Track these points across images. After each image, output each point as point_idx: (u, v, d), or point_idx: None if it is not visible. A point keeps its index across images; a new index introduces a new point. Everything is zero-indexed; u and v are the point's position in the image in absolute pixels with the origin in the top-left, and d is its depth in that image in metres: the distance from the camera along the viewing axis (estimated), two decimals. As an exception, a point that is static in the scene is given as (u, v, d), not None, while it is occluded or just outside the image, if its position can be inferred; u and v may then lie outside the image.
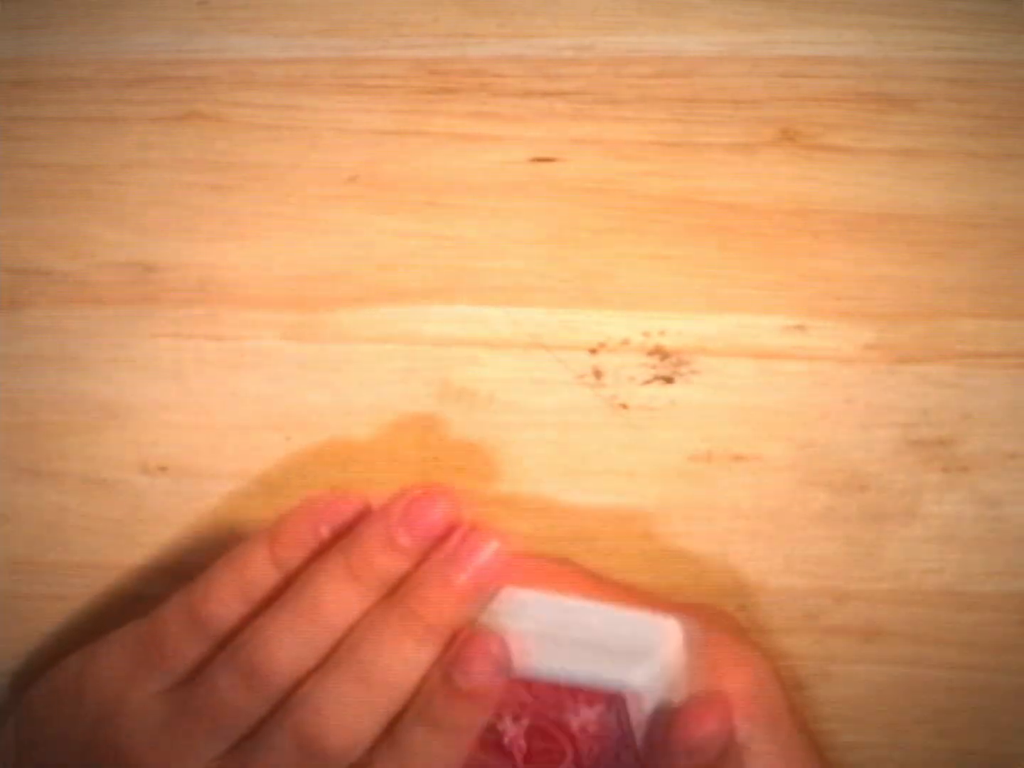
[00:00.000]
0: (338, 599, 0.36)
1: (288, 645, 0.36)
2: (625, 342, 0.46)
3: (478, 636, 0.36)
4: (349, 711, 0.35)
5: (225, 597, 0.37)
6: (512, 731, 0.38)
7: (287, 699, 0.36)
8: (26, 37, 0.47)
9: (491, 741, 0.38)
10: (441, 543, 0.37)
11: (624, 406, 0.46)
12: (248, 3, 0.46)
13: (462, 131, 0.46)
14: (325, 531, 0.38)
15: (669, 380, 0.46)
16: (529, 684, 0.37)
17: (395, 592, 0.37)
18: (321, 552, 0.37)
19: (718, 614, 0.44)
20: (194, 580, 0.38)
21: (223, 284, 0.47)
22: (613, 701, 0.37)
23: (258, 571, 0.38)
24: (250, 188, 0.46)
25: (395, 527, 0.37)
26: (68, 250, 0.47)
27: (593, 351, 0.46)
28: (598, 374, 0.46)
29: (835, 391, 0.45)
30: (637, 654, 0.37)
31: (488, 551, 0.36)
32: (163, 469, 0.47)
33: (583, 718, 0.37)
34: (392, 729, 0.36)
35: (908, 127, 0.45)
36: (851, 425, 0.45)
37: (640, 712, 0.37)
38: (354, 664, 0.36)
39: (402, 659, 0.36)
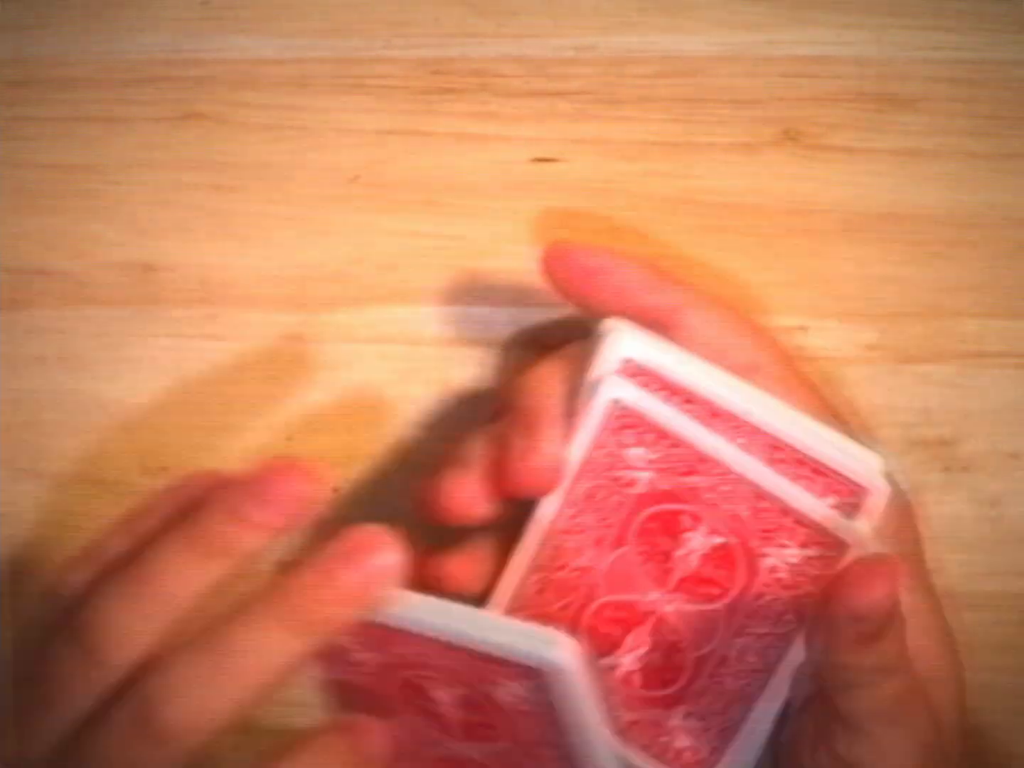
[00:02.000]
0: (178, 570, 0.34)
1: (125, 618, 0.34)
2: (626, 342, 0.46)
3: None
4: (195, 695, 0.33)
5: (75, 563, 0.35)
6: (696, 542, 0.37)
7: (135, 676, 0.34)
8: (26, 37, 0.47)
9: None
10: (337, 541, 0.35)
11: (625, 406, 0.46)
12: (249, 3, 0.46)
13: (463, 131, 0.46)
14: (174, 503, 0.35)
15: (670, 380, 0.46)
16: (755, 499, 0.36)
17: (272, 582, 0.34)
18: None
19: None
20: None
21: (223, 284, 0.47)
22: (829, 546, 0.36)
23: (108, 537, 0.36)
24: (251, 188, 0.46)
25: (240, 497, 0.34)
26: (69, 250, 0.47)
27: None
28: (599, 374, 0.46)
29: (836, 391, 0.45)
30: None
31: (385, 557, 0.34)
32: (164, 469, 0.47)
33: (786, 554, 0.36)
34: None
35: (909, 127, 0.45)
36: (852, 425, 0.45)
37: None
38: (209, 645, 0.33)
39: (267, 649, 0.33)
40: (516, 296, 0.46)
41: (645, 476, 0.37)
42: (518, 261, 0.46)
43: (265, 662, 0.33)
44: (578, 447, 0.37)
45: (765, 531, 0.37)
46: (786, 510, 0.36)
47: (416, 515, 0.40)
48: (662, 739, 0.39)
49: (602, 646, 0.38)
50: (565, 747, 0.36)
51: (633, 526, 0.37)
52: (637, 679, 0.39)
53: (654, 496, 0.37)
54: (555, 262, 0.41)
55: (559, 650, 0.33)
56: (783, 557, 0.36)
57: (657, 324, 0.39)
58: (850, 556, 0.36)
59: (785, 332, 0.45)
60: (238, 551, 0.34)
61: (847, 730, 0.36)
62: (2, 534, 0.47)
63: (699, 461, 0.37)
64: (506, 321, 0.46)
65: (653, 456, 0.37)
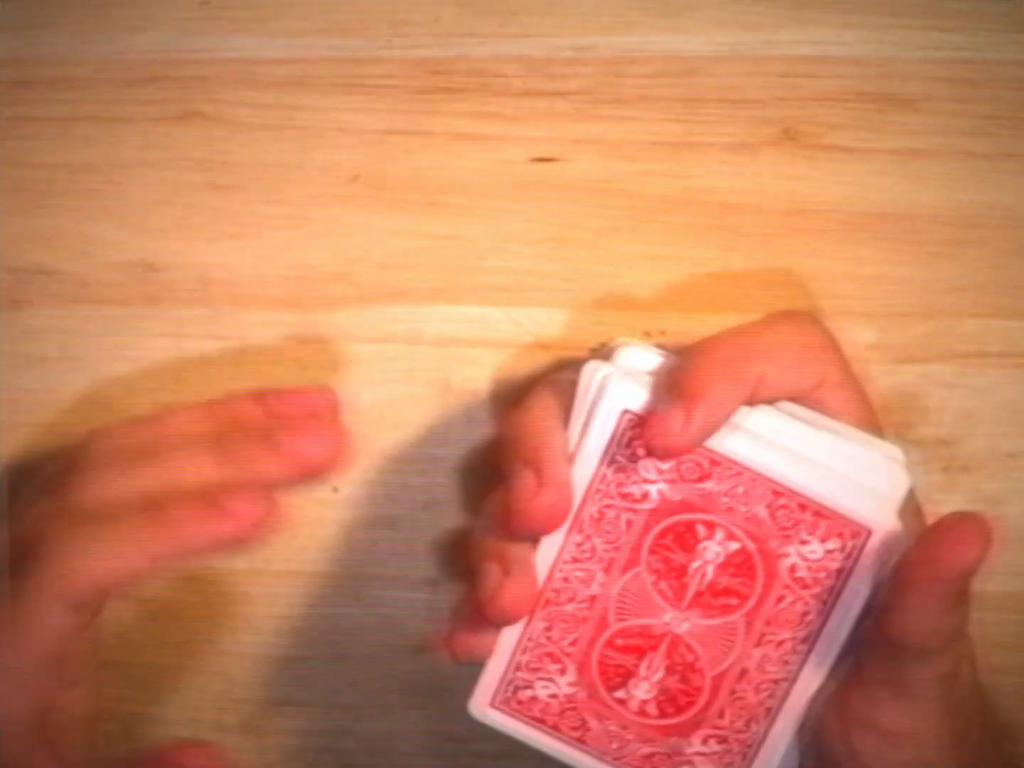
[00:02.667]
0: (195, 469, 0.36)
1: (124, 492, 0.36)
2: (626, 342, 0.46)
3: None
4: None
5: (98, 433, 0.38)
6: (711, 551, 0.37)
7: None
8: (26, 37, 0.47)
9: (672, 563, 0.37)
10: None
11: (625, 406, 0.46)
12: (249, 3, 0.46)
13: (463, 131, 0.46)
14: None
15: (670, 380, 0.46)
16: (773, 497, 0.36)
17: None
18: None
19: None
20: None
21: (224, 284, 0.47)
22: (851, 535, 0.36)
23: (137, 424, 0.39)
24: (251, 188, 0.46)
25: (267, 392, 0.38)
26: (69, 250, 0.47)
27: (594, 351, 0.46)
28: (599, 374, 0.46)
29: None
30: (877, 489, 0.36)
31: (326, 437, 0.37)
32: (164, 469, 0.47)
33: (806, 551, 0.36)
34: None
35: (909, 127, 0.45)
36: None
37: (876, 548, 0.36)
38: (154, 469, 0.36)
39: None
40: (516, 296, 0.46)
41: (656, 488, 0.36)
42: (518, 261, 0.46)
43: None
44: (585, 467, 0.36)
45: (783, 529, 0.36)
46: (804, 504, 0.36)
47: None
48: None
49: (613, 678, 0.38)
50: (818, 625, 0.36)
51: (646, 544, 0.37)
52: (652, 709, 0.38)
53: (667, 508, 0.36)
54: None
55: (895, 518, 0.34)
56: (803, 554, 0.36)
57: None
58: (875, 541, 0.36)
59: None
60: (259, 474, 0.36)
61: (899, 698, 0.36)
62: (2, 533, 0.47)
63: (712, 464, 0.36)
64: (506, 321, 0.46)
65: (664, 465, 0.36)
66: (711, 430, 0.36)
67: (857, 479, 0.36)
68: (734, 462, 0.36)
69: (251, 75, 0.46)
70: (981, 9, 0.45)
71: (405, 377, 0.46)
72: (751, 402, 0.37)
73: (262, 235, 0.47)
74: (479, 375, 0.46)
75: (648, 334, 0.46)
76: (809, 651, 0.37)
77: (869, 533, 0.36)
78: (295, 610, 0.48)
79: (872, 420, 0.39)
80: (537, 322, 0.46)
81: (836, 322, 0.45)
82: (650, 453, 0.36)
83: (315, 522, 0.47)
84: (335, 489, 0.47)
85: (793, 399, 0.38)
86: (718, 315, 0.46)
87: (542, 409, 0.38)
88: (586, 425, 0.36)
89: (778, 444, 0.36)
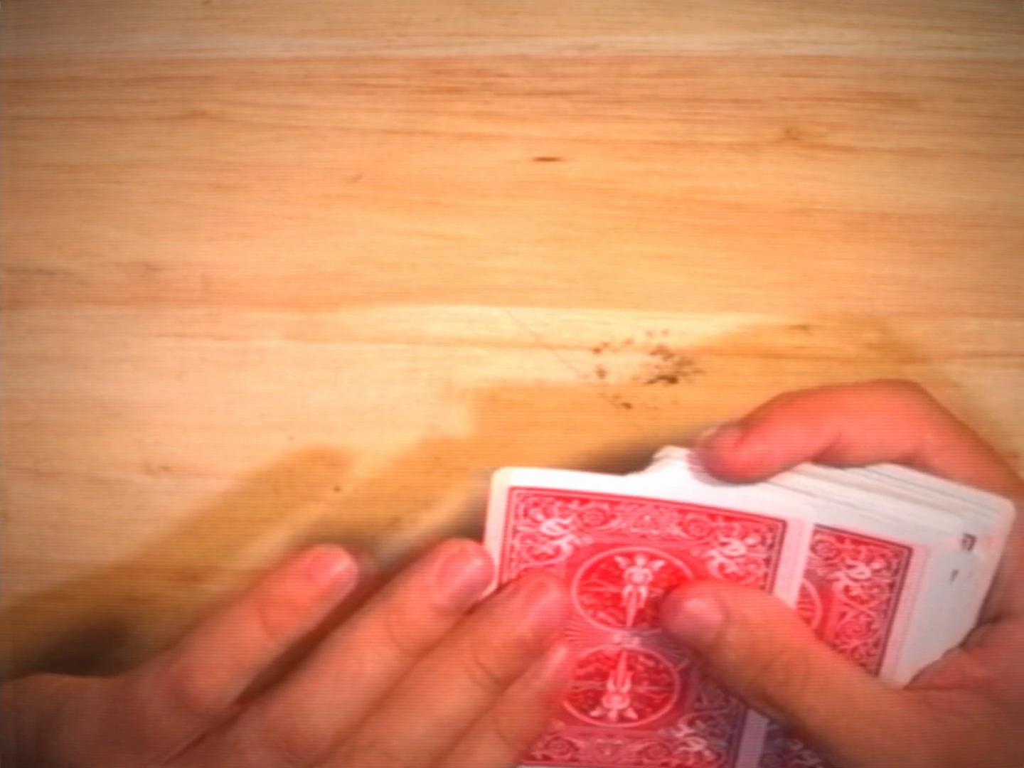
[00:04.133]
0: (381, 663, 0.35)
1: (332, 714, 0.35)
2: (628, 342, 0.46)
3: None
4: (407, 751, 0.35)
5: (214, 670, 0.34)
6: (638, 574, 0.38)
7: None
8: (27, 37, 0.47)
9: (608, 596, 0.38)
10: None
11: (627, 406, 0.46)
12: (251, 3, 0.46)
13: (465, 130, 0.46)
14: (316, 592, 0.35)
15: (672, 380, 0.46)
16: (681, 514, 0.37)
17: (452, 638, 0.36)
18: (310, 612, 0.35)
19: None
20: (174, 648, 0.35)
21: (226, 283, 0.47)
22: (897, 555, 0.37)
23: (249, 639, 0.35)
24: (253, 188, 0.46)
25: (434, 589, 0.36)
26: (71, 249, 0.47)
27: (596, 351, 0.46)
28: (601, 373, 0.46)
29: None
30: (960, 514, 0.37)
31: (549, 597, 0.37)
32: (166, 469, 0.47)
33: (854, 573, 0.37)
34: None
35: (910, 127, 0.45)
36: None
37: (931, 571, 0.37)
38: (414, 698, 0.36)
39: (461, 700, 0.36)
40: (518, 296, 0.46)
41: (565, 540, 0.37)
42: (520, 260, 0.46)
43: (461, 715, 0.36)
44: (494, 542, 0.37)
45: (700, 538, 0.37)
46: (841, 536, 0.37)
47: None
48: (678, 751, 0.40)
49: (585, 702, 0.39)
50: (885, 632, 0.37)
51: (573, 587, 0.38)
52: (632, 713, 0.39)
53: (581, 553, 0.37)
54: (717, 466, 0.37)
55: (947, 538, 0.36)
56: (853, 576, 0.37)
57: (824, 458, 0.38)
58: (917, 558, 0.37)
59: (786, 332, 0.46)
60: (433, 640, 0.36)
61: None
62: (3, 534, 0.47)
63: (612, 505, 0.37)
64: (508, 321, 0.46)
65: (565, 521, 0.37)
66: (767, 460, 0.36)
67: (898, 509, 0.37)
68: (632, 497, 0.37)
69: (253, 75, 0.46)
70: (982, 9, 0.45)
71: (406, 377, 0.46)
72: (837, 460, 0.37)
73: (264, 235, 0.46)
74: (481, 375, 0.46)
75: (651, 334, 0.46)
76: (882, 655, 0.38)
77: (910, 551, 0.37)
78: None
79: (994, 481, 0.38)
80: (539, 322, 0.46)
81: (837, 322, 0.46)
82: (707, 469, 0.37)
83: (315, 522, 0.47)
84: (336, 489, 0.47)
85: (897, 463, 0.38)
86: (720, 315, 0.46)
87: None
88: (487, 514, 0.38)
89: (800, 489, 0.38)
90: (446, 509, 0.47)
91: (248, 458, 0.47)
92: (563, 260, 0.46)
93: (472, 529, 0.47)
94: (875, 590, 0.37)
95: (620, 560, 0.38)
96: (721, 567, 0.37)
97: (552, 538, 0.37)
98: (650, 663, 0.39)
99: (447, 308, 0.46)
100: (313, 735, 0.35)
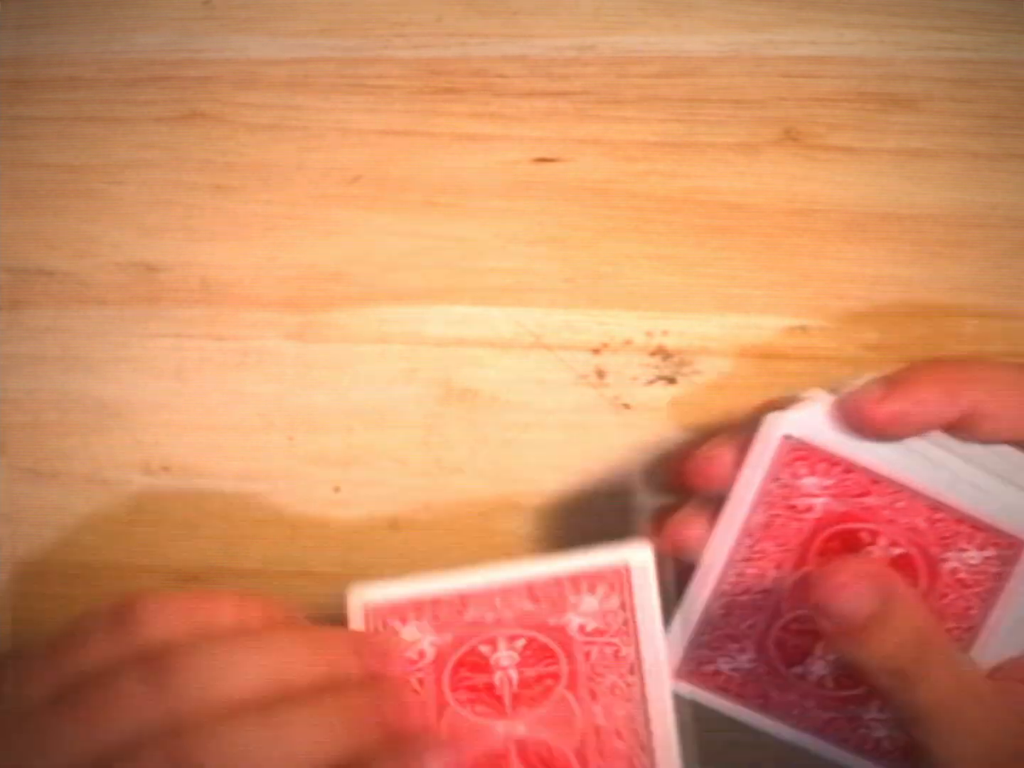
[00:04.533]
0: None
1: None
2: (628, 342, 0.46)
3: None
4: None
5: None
6: (880, 546, 0.39)
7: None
8: (27, 37, 0.47)
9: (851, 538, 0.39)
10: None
11: (627, 406, 0.46)
12: (250, 3, 0.46)
13: (465, 131, 0.46)
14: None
15: (671, 380, 0.46)
16: (930, 511, 0.38)
17: None
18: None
19: None
20: None
21: (225, 284, 0.47)
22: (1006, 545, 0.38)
23: None
24: (252, 188, 0.46)
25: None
26: (70, 250, 0.47)
27: (596, 351, 0.46)
28: (601, 374, 0.46)
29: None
30: None
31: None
32: (165, 469, 0.47)
33: (965, 556, 0.38)
34: None
35: (910, 127, 0.45)
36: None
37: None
38: (272, 725, 0.35)
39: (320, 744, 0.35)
40: (517, 296, 0.46)
41: (821, 501, 0.39)
42: (519, 261, 0.46)
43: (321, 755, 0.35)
44: (752, 481, 0.39)
45: (943, 538, 0.38)
46: (961, 519, 0.38)
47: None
48: (860, 731, 0.41)
49: (792, 656, 0.40)
50: (981, 619, 0.38)
51: (814, 547, 0.39)
52: (829, 682, 0.40)
53: (831, 517, 0.39)
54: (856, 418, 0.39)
55: None
56: (963, 560, 0.38)
57: (958, 428, 0.38)
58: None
59: (785, 332, 0.46)
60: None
61: None
62: (2, 534, 0.47)
63: (872, 483, 0.38)
64: (507, 321, 0.46)
65: (827, 483, 0.39)
66: (906, 420, 0.37)
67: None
68: (893, 481, 0.38)
69: (253, 75, 0.46)
70: (982, 9, 0.45)
71: (406, 377, 0.46)
72: (968, 432, 0.38)
73: (263, 235, 0.47)
74: (480, 375, 0.46)
75: (650, 334, 0.46)
76: (973, 641, 0.39)
77: (1021, 544, 0.38)
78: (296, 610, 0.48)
79: None
80: (538, 322, 0.46)
81: (837, 322, 0.46)
82: (847, 422, 0.38)
83: (315, 522, 0.47)
84: (336, 489, 0.47)
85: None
86: (719, 315, 0.46)
87: (717, 447, 0.40)
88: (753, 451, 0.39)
89: (944, 466, 0.38)
90: (446, 509, 0.47)
91: (247, 459, 0.47)
92: (562, 260, 0.46)
93: (472, 529, 0.47)
94: (981, 577, 0.38)
95: (483, 648, 0.39)
96: (954, 571, 0.38)
97: (809, 495, 0.39)
98: (543, 750, 0.39)
99: (446, 308, 0.46)
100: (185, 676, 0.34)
